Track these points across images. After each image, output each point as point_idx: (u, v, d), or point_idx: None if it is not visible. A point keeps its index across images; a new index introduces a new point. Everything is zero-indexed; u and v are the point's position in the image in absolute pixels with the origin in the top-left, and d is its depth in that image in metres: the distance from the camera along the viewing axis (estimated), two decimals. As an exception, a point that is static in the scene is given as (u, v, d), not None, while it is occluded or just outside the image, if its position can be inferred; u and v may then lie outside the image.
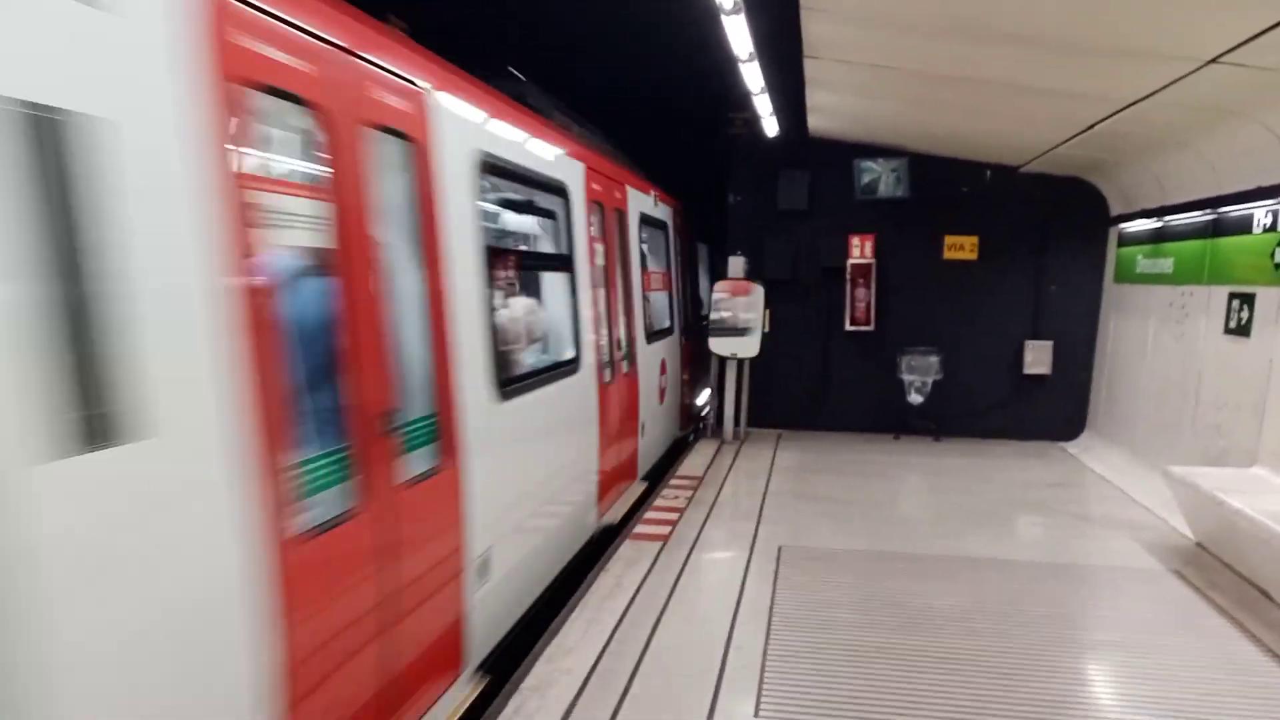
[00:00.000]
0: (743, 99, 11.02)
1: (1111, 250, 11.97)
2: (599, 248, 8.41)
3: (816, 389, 13.10)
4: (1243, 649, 5.86)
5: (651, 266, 11.22)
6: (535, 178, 6.83)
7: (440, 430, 4.68)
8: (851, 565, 7.36)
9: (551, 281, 7.63)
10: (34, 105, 2.28)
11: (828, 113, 10.96)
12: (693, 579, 6.93)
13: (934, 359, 12.43)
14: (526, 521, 6.16)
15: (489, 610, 5.34)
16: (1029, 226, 12.42)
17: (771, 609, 6.28)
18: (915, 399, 12.48)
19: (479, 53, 6.42)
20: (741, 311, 12.19)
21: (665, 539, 7.85)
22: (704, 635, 5.82)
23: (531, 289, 7.33)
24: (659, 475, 10.49)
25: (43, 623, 2.31)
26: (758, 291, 12.20)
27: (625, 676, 5.22)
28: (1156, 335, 10.31)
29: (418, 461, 4.39)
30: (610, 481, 8.57)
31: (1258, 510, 6.57)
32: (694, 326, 14.04)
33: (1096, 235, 12.20)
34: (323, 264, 3.88)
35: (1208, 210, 9.05)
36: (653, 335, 10.70)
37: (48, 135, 2.32)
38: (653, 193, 11.24)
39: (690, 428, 13.55)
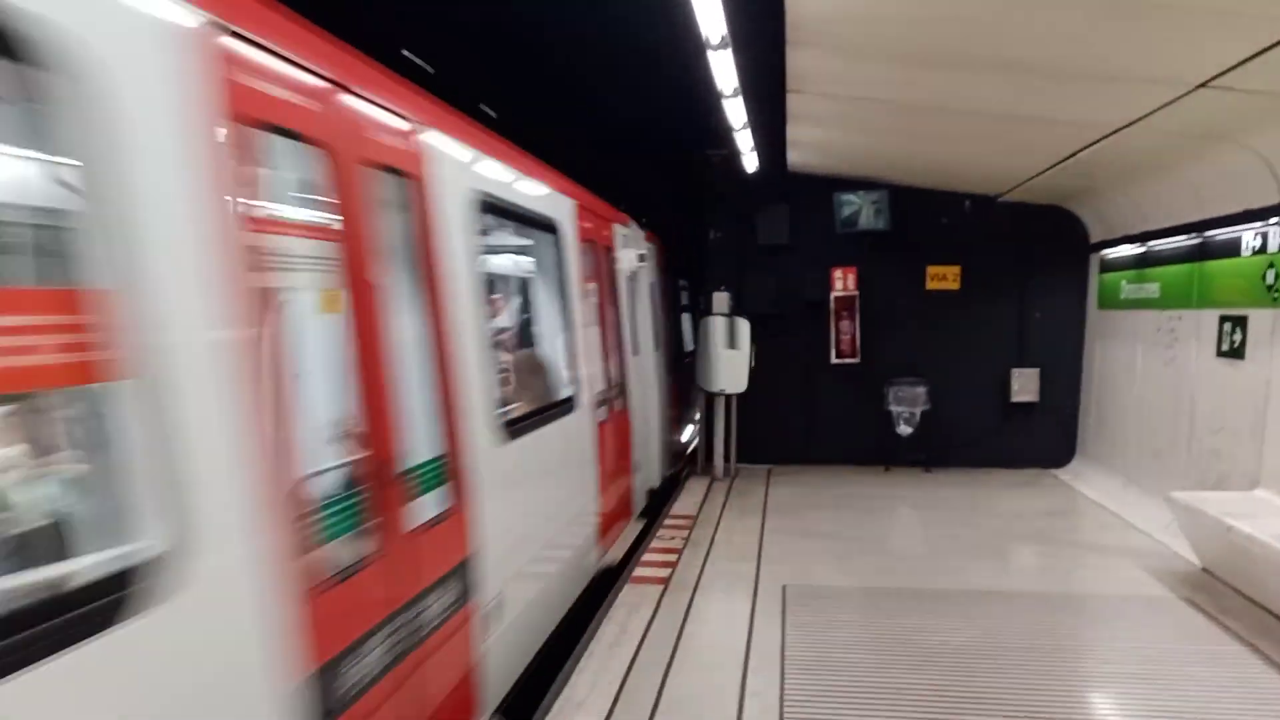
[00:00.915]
0: (722, 134, 11.00)
1: (1093, 276, 12.01)
2: (592, 285, 8.42)
3: (804, 423, 12.99)
4: (1265, 676, 5.77)
5: (638, 303, 11.10)
6: (533, 217, 6.82)
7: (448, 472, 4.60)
8: (858, 603, 7.22)
9: (548, 320, 7.64)
10: None
11: (808, 147, 10.95)
12: (699, 624, 6.75)
13: (921, 389, 12.38)
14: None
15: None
16: (1010, 255, 12.44)
17: (783, 652, 6.11)
18: (904, 430, 12.41)
19: (454, 90, 6.24)
20: (728, 347, 12.08)
21: (666, 582, 7.67)
22: (717, 683, 5.63)
23: (530, 326, 7.70)
24: (653, 513, 10.40)
25: None
26: (744, 327, 12.10)
27: (641, 730, 5.03)
28: (1145, 360, 10.30)
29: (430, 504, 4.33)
30: (610, 520, 8.53)
31: (1268, 534, 6.51)
32: (679, 363, 13.93)
33: (1077, 262, 12.25)
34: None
35: (1193, 234, 9.08)
36: (643, 372, 10.67)
37: None
38: (638, 228, 11.24)
39: (679, 465, 13.39)
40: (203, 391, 2.71)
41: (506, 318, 7.05)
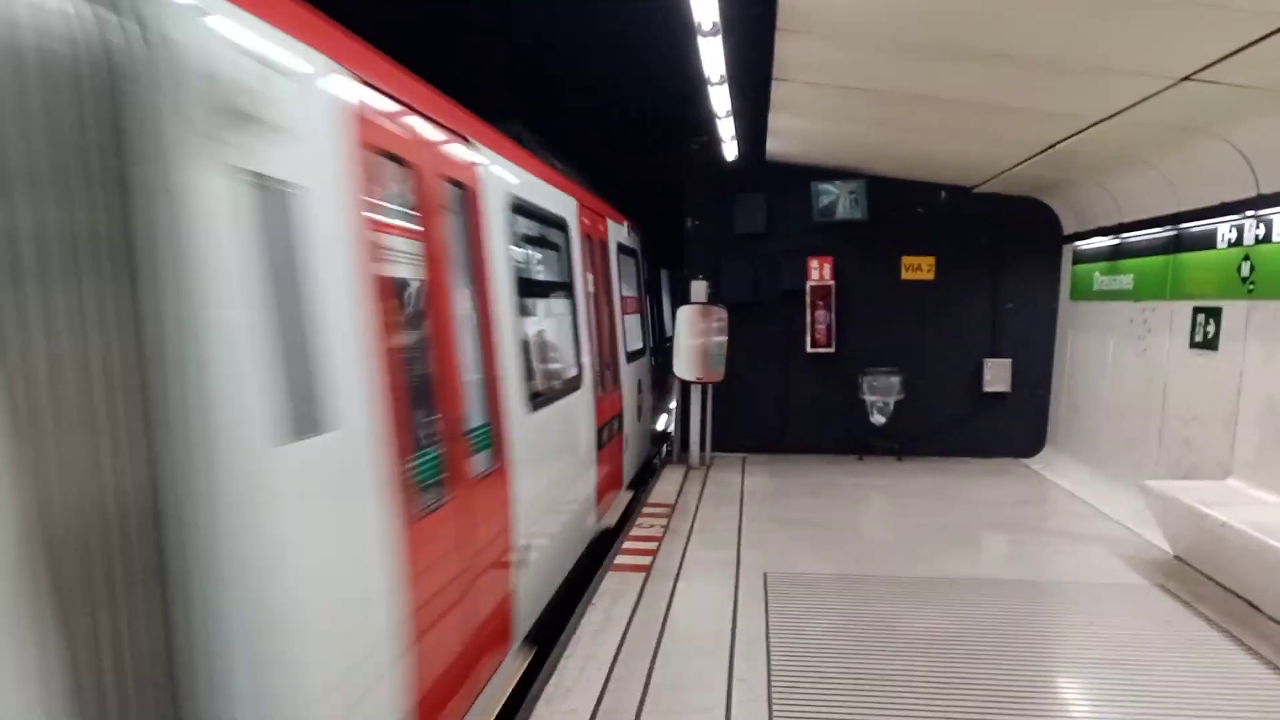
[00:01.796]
0: (702, 123, 10.99)
1: (1066, 268, 12.14)
2: (590, 275, 9.19)
3: (779, 411, 13.05)
4: (1240, 661, 5.87)
5: (626, 291, 11.45)
6: (547, 215, 7.70)
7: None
8: (838, 590, 7.26)
9: (558, 305, 8.37)
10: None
11: (788, 136, 10.96)
12: (683, 610, 6.76)
13: (895, 379, 12.46)
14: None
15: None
16: (984, 246, 12.55)
17: (768, 638, 6.13)
18: (878, 419, 12.49)
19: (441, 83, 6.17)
20: (705, 336, 12.09)
21: (648, 570, 7.67)
22: (705, 668, 5.65)
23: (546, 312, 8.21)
24: (639, 486, 11.27)
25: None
26: (722, 315, 12.12)
27: (631, 715, 5.02)
28: (1117, 351, 10.43)
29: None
30: (605, 487, 9.41)
31: (1241, 521, 6.62)
32: (659, 351, 13.96)
33: (1051, 253, 12.37)
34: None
35: (1168, 226, 9.19)
36: (630, 356, 11.13)
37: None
38: (625, 222, 11.59)
39: (657, 450, 13.42)
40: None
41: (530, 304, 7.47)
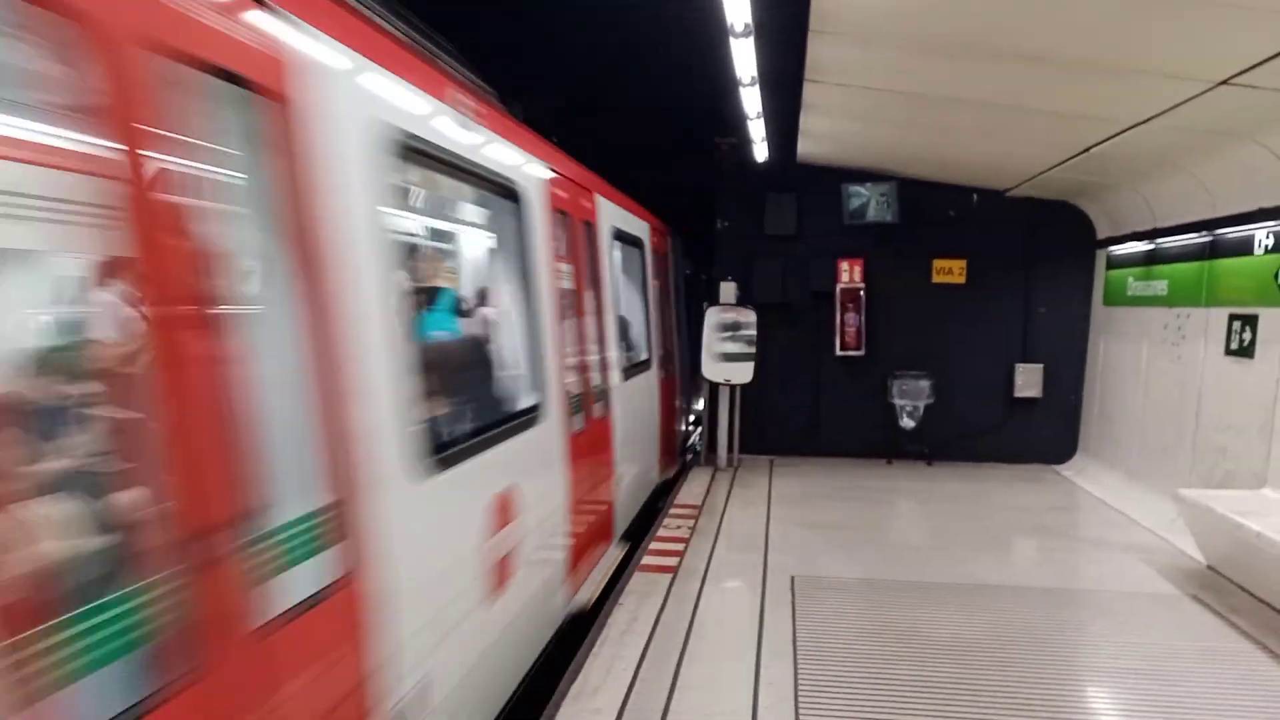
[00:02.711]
0: (733, 123, 10.99)
1: (1099, 273, 12.03)
2: (656, 282, 11.24)
3: (808, 414, 13.01)
4: (1274, 674, 5.80)
5: (626, 289, 10.60)
6: (631, 237, 9.93)
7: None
8: (866, 594, 7.23)
9: (635, 301, 10.67)
10: None
11: (819, 137, 10.93)
12: (710, 612, 6.75)
13: (925, 383, 12.39)
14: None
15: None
16: (1016, 250, 12.46)
17: (795, 641, 6.12)
18: (907, 423, 12.43)
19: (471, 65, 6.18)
20: (734, 337, 12.08)
21: (674, 570, 7.68)
22: (731, 670, 5.65)
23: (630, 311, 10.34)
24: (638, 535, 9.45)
25: None
26: (750, 317, 12.09)
27: (658, 716, 5.03)
28: (1151, 357, 10.32)
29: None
30: (665, 450, 11.66)
31: (1276, 532, 6.53)
32: (685, 355, 13.93)
33: (1083, 258, 12.26)
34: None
35: (1204, 232, 9.08)
36: (629, 370, 9.56)
37: None
38: (672, 235, 12.40)
39: (680, 461, 13.41)
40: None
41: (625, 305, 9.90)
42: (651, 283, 10.96)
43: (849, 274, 12.68)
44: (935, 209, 12.42)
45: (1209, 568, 7.83)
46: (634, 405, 9.39)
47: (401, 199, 6.53)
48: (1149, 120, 7.54)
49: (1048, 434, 12.54)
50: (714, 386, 12.40)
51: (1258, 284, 8.14)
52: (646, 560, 7.97)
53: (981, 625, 6.55)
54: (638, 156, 12.90)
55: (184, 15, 2.58)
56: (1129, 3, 5.56)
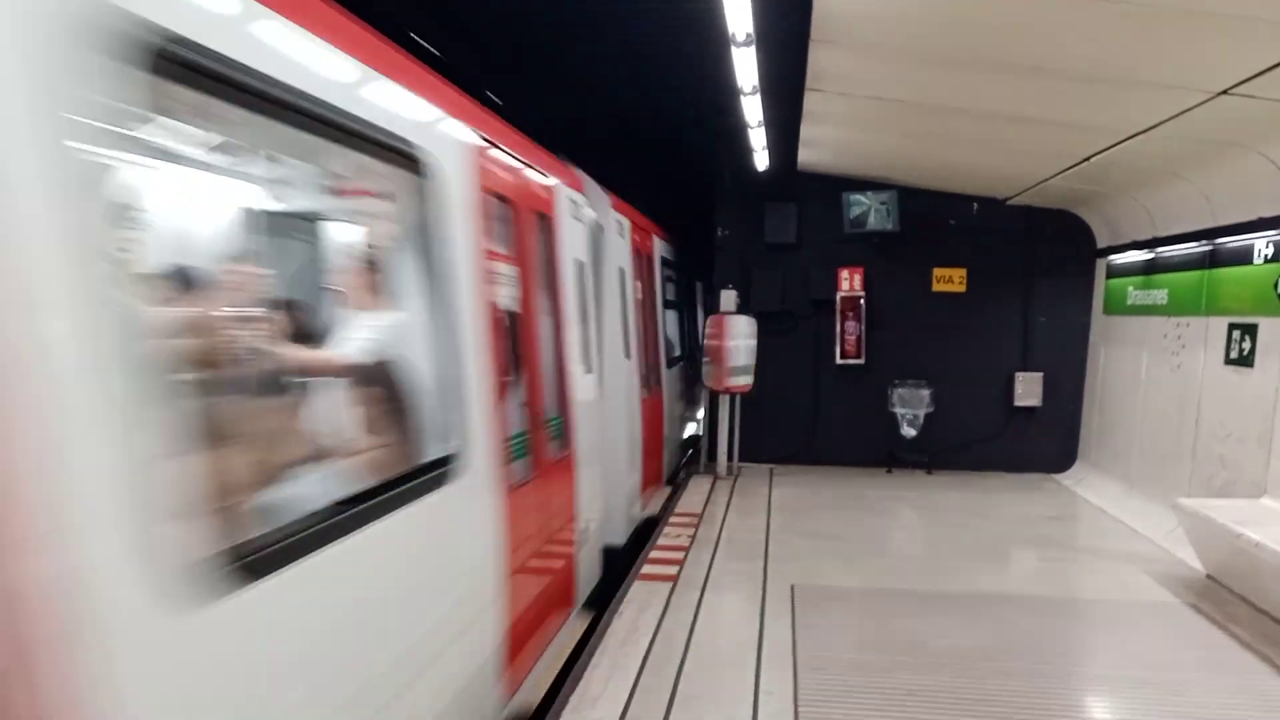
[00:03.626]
0: (734, 132, 10.99)
1: (1099, 282, 12.04)
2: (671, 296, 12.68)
3: (807, 423, 13.01)
4: (1273, 684, 5.78)
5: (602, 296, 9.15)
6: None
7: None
8: (867, 604, 7.23)
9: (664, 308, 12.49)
10: None
11: (820, 146, 10.95)
12: (709, 622, 6.75)
13: (925, 392, 12.40)
14: None
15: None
16: (1016, 259, 12.48)
17: (795, 651, 6.11)
18: (908, 432, 12.43)
19: (461, 74, 6.04)
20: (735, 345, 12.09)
21: (674, 579, 7.67)
22: (731, 680, 5.64)
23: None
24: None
25: None
26: (751, 325, 12.10)
27: (657, 726, 5.03)
28: (1150, 366, 10.33)
29: None
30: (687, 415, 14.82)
31: (1276, 541, 6.53)
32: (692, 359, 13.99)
33: (1083, 267, 12.28)
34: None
35: (1204, 241, 9.09)
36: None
37: None
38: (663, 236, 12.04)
39: (680, 465, 13.42)
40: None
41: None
42: (630, 285, 9.64)
43: (849, 282, 12.69)
44: (935, 218, 12.45)
45: (1208, 577, 7.82)
46: (607, 432, 8.07)
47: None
48: (1149, 130, 7.56)
49: (1047, 443, 12.54)
50: (714, 395, 12.40)
51: (1257, 293, 8.15)
52: (646, 569, 7.96)
53: (982, 635, 6.55)
54: (638, 162, 12.95)
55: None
56: (1129, 14, 5.57)
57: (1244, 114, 6.72)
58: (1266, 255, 8.03)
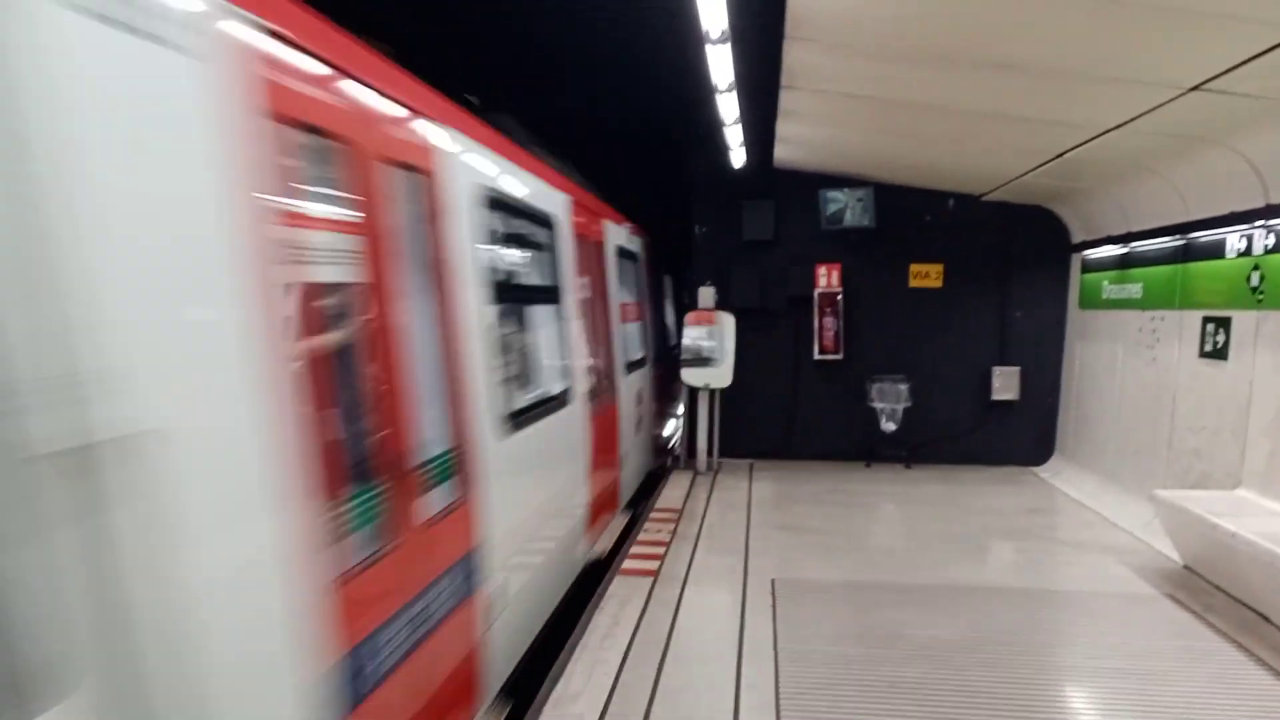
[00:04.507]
0: (710, 130, 11.01)
1: (1074, 277, 12.13)
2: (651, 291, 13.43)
3: (787, 418, 13.05)
4: (1249, 672, 5.85)
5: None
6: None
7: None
8: (847, 597, 7.26)
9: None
10: None
11: (796, 143, 10.97)
12: (690, 616, 6.76)
13: (903, 386, 12.45)
14: None
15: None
16: (992, 254, 12.55)
17: (776, 644, 6.14)
18: (887, 426, 12.49)
19: (435, 71, 6.01)
20: (713, 342, 12.12)
21: (655, 574, 7.68)
22: (712, 674, 5.66)
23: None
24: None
25: None
26: (729, 321, 12.13)
27: (639, 721, 5.04)
28: (1126, 360, 10.42)
29: None
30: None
31: (1252, 532, 6.60)
32: (664, 358, 13.99)
33: (1059, 262, 12.36)
34: None
35: (1177, 235, 9.18)
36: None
37: None
38: (626, 224, 11.40)
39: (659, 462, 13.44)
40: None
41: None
42: (571, 279, 8.07)
43: (827, 278, 12.73)
44: (912, 214, 12.49)
45: (1185, 568, 7.90)
46: (531, 470, 6.32)
47: None
48: (1122, 125, 7.63)
49: (1025, 436, 12.63)
50: (693, 391, 12.42)
51: (1230, 286, 8.24)
52: (627, 564, 7.97)
53: (961, 626, 6.59)
54: (613, 159, 12.94)
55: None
56: (1102, 11, 5.61)
57: (1215, 109, 6.79)
58: (1239, 249, 8.12)
